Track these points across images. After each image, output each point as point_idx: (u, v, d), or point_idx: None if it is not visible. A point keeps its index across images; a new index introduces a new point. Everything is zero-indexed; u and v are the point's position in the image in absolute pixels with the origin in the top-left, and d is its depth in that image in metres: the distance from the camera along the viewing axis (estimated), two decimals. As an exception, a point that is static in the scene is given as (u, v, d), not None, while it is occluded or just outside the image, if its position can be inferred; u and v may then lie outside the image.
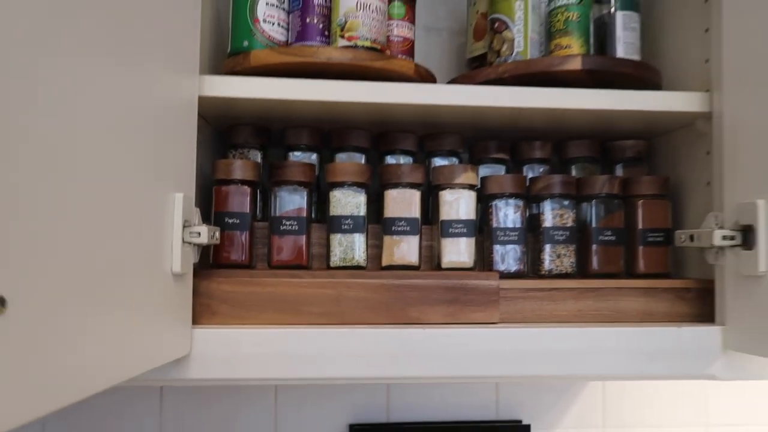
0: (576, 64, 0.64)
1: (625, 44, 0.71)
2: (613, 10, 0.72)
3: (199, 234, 0.54)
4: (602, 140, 0.76)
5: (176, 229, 0.51)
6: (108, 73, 0.40)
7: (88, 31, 0.37)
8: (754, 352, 0.57)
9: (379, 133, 0.75)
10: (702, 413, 0.93)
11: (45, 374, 0.33)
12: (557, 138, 0.76)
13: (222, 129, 0.74)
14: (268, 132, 0.74)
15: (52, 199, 0.34)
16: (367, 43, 0.65)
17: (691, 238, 0.63)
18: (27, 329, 0.31)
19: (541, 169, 0.77)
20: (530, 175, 0.76)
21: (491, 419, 0.91)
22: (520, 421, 0.91)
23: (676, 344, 0.60)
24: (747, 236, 0.56)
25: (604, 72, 0.64)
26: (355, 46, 0.64)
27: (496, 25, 0.69)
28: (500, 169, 0.76)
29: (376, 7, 0.65)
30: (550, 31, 0.70)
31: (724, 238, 0.58)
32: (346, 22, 0.65)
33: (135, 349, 0.45)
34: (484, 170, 0.76)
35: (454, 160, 0.76)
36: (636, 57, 0.71)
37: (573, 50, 0.67)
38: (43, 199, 0.33)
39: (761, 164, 0.56)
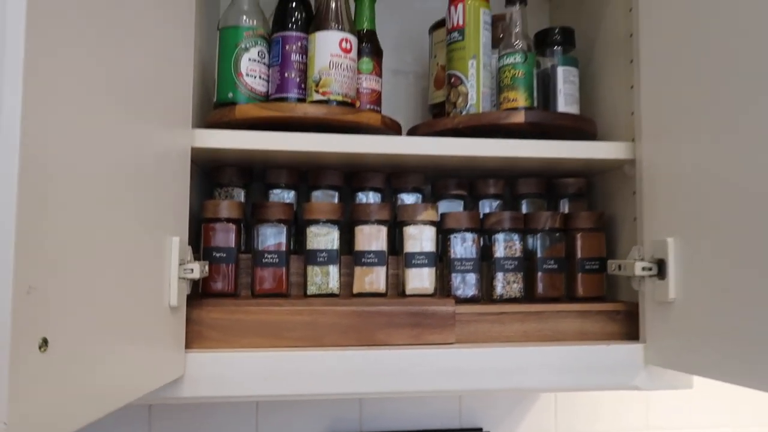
0: (520, 118, 0.74)
1: (566, 95, 0.81)
2: (554, 65, 0.82)
3: (192, 270, 0.62)
4: (549, 178, 0.86)
5: (173, 268, 0.59)
6: (115, 135, 0.48)
7: (97, 95, 0.45)
8: (669, 367, 0.67)
9: (350, 172, 0.83)
10: (643, 419, 1.03)
11: (77, 396, 0.42)
12: (510, 176, 0.86)
13: (208, 169, 0.82)
14: (250, 172, 0.82)
15: (79, 256, 0.42)
16: (339, 98, 0.74)
17: (619, 267, 0.73)
18: (62, 361, 0.40)
19: (496, 204, 0.86)
20: (486, 209, 0.85)
21: (455, 427, 1.00)
22: (481, 429, 1.00)
23: (605, 360, 0.70)
24: (661, 268, 0.67)
25: (544, 124, 0.74)
26: (328, 101, 0.73)
27: (453, 80, 0.79)
28: (459, 204, 0.86)
29: (347, 65, 0.74)
30: (499, 85, 0.79)
31: (644, 269, 0.68)
32: (320, 78, 0.74)
33: (141, 373, 0.53)
34: (445, 205, 0.85)
35: (418, 195, 0.85)
36: (575, 106, 0.82)
37: (519, 102, 0.77)
38: (73, 257, 0.41)
39: (671, 207, 0.66)
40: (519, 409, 1.02)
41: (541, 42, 0.84)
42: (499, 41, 0.82)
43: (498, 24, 0.83)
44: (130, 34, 0.50)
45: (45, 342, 0.38)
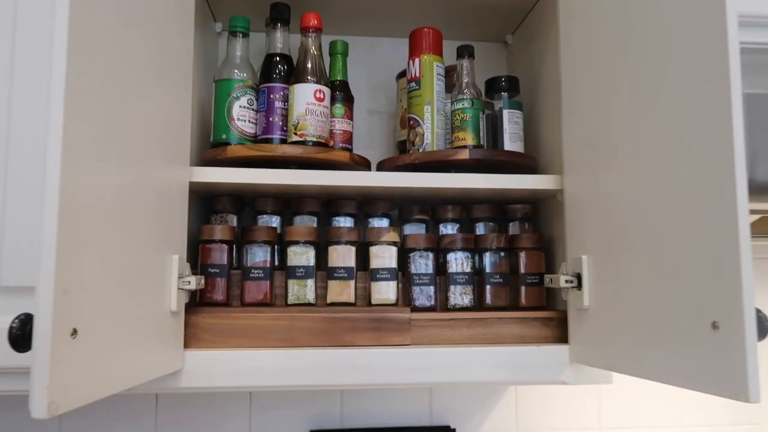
0: (465, 155, 0.88)
1: (510, 134, 0.95)
2: (501, 107, 0.96)
3: (189, 282, 0.76)
4: (500, 204, 1.00)
5: (173, 280, 0.73)
6: (128, 174, 0.62)
7: (115, 144, 0.60)
8: (588, 364, 0.80)
9: (327, 199, 0.98)
10: (595, 417, 1.15)
11: (97, 374, 0.55)
12: (467, 202, 1.00)
13: (205, 197, 0.97)
14: (241, 200, 0.97)
15: (100, 268, 0.56)
16: (314, 139, 0.88)
17: (551, 280, 0.86)
18: (88, 347, 0.54)
19: (455, 227, 1.00)
20: (446, 231, 0.99)
21: (425, 424, 1.13)
22: (449, 426, 1.13)
23: (537, 359, 0.83)
24: (579, 281, 0.80)
25: (486, 160, 0.88)
26: (305, 142, 0.87)
27: (411, 122, 0.93)
28: (422, 227, 0.99)
29: (321, 111, 0.89)
30: (452, 126, 0.94)
31: (566, 281, 0.81)
32: (298, 123, 0.88)
33: (147, 363, 0.66)
34: (409, 227, 0.99)
35: (386, 220, 0.99)
36: (519, 144, 0.96)
37: (467, 141, 0.91)
38: (95, 268, 0.55)
39: (585, 229, 0.79)
40: (484, 408, 1.14)
41: (491, 88, 0.99)
42: (453, 87, 0.97)
43: (452, 73, 0.98)
44: (142, 95, 0.65)
45: (75, 331, 0.52)
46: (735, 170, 0.56)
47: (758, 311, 0.58)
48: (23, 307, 0.69)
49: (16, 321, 0.51)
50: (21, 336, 0.50)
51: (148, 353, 0.67)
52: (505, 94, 0.97)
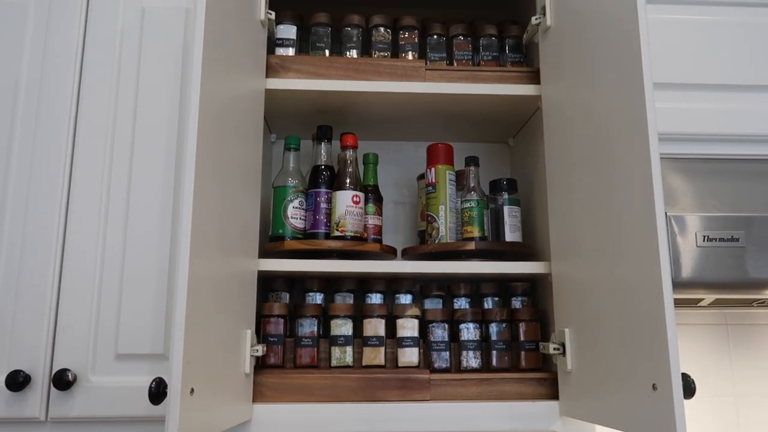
0: (471, 246, 1.10)
1: (510, 226, 1.18)
2: (502, 204, 1.19)
3: (258, 350, 0.99)
4: (504, 281, 1.21)
5: (247, 349, 0.96)
6: (223, 265, 0.86)
7: (213, 237, 0.84)
8: (573, 417, 0.99)
9: (362, 279, 1.20)
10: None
11: (204, 421, 0.78)
12: (475, 280, 1.21)
13: (264, 277, 1.20)
14: (292, 281, 1.20)
15: (204, 345, 0.79)
16: (352, 234, 1.12)
17: (544, 347, 1.06)
18: (199, 402, 0.76)
19: (467, 301, 1.21)
20: (459, 305, 1.20)
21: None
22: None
23: (533, 412, 1.02)
24: (564, 348, 1.00)
25: (488, 249, 1.11)
26: (344, 236, 1.11)
27: (429, 218, 1.16)
28: (439, 302, 1.21)
29: (357, 212, 1.13)
30: (462, 220, 1.17)
31: (554, 349, 1.02)
32: (339, 221, 1.12)
33: (230, 413, 0.88)
34: (429, 302, 1.21)
35: (410, 295, 1.21)
36: (517, 234, 1.18)
37: (474, 233, 1.14)
38: (202, 346, 0.78)
39: (567, 306, 1.00)
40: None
41: (494, 187, 1.22)
42: (463, 186, 1.20)
43: (462, 175, 1.21)
44: (232, 199, 0.89)
45: (192, 390, 0.74)
46: (661, 270, 0.77)
47: (686, 376, 0.78)
48: (134, 370, 0.94)
49: (154, 383, 0.74)
50: (157, 393, 0.73)
51: (231, 406, 0.89)
52: (505, 193, 1.20)
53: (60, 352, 1.02)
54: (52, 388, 0.99)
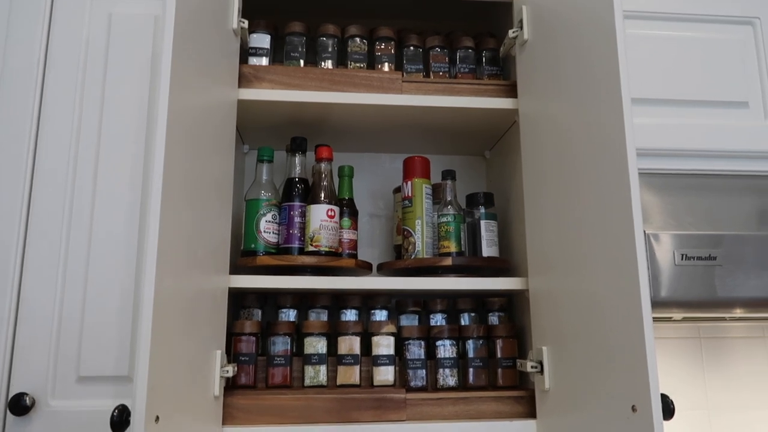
0: (448, 261, 1.08)
1: (487, 240, 1.16)
2: (479, 218, 1.18)
3: (228, 371, 0.95)
4: (480, 296, 1.20)
5: (217, 370, 0.92)
6: (191, 282, 0.82)
7: (182, 253, 0.80)
8: (551, 436, 0.98)
9: (337, 295, 1.17)
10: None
11: (169, 451, 0.74)
12: (452, 296, 1.19)
13: (235, 293, 1.16)
14: (265, 297, 1.16)
15: (170, 370, 0.75)
16: (326, 249, 1.09)
17: (521, 365, 1.04)
18: (165, 428, 0.72)
19: (443, 317, 1.19)
20: (435, 321, 1.18)
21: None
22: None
23: (510, 431, 1.00)
24: (542, 367, 0.98)
25: (464, 265, 1.09)
26: (319, 252, 1.08)
27: (405, 233, 1.14)
28: (415, 318, 1.19)
29: (332, 226, 1.10)
30: (438, 235, 1.15)
31: (532, 367, 1.00)
32: (314, 236, 1.09)
33: (198, 440, 0.84)
34: (405, 318, 1.18)
35: (385, 311, 1.18)
36: (494, 248, 1.16)
37: (450, 248, 1.12)
38: (168, 371, 0.74)
39: (544, 324, 0.99)
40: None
41: (470, 201, 1.20)
42: (440, 199, 1.18)
43: (439, 189, 1.19)
44: (202, 214, 0.86)
45: (157, 418, 0.71)
46: (640, 291, 0.75)
47: (666, 397, 0.77)
48: (97, 393, 0.89)
49: (116, 411, 0.70)
50: (119, 422, 0.69)
51: (198, 430, 0.85)
52: (482, 207, 1.19)
53: (17, 375, 0.96)
54: (8, 414, 0.94)
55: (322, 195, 1.11)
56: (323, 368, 1.07)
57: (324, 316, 1.16)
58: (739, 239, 1.01)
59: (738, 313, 1.05)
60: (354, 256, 1.15)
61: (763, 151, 1.17)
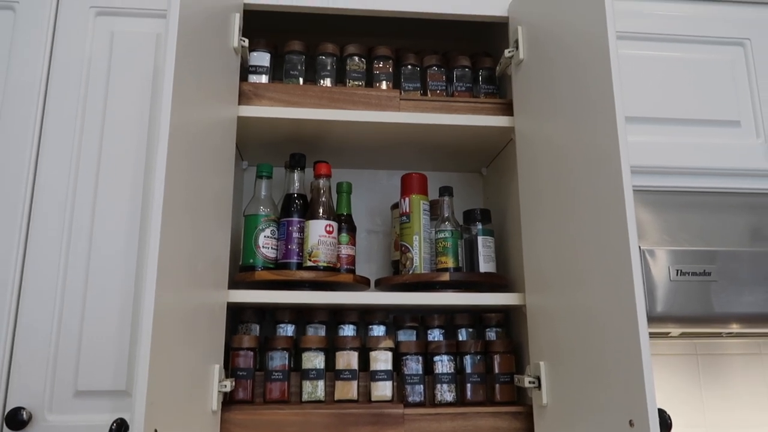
0: (446, 277, 1.09)
1: (484, 256, 1.17)
2: (476, 234, 1.19)
3: (226, 386, 0.95)
4: (478, 312, 1.20)
5: (215, 385, 0.92)
6: (192, 298, 0.83)
7: (182, 268, 0.81)
8: (549, 451, 0.98)
9: (335, 310, 1.18)
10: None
11: (167, 465, 0.74)
12: (449, 311, 1.20)
13: (234, 308, 1.17)
14: (263, 312, 1.17)
15: (170, 382, 0.75)
16: (324, 264, 1.09)
17: (518, 380, 1.05)
18: (164, 444, 0.72)
19: (441, 332, 1.19)
20: (433, 337, 1.18)
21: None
22: None
23: (508, 447, 1.00)
24: (540, 382, 0.99)
25: (462, 281, 1.10)
26: (317, 267, 1.09)
27: (403, 248, 1.15)
28: (413, 333, 1.19)
29: (330, 242, 1.11)
30: (436, 251, 1.15)
31: (530, 382, 1.01)
32: (312, 251, 1.10)
33: (195, 455, 0.84)
34: (403, 333, 1.18)
35: (383, 327, 1.18)
36: (491, 264, 1.17)
37: (448, 264, 1.13)
38: (167, 383, 0.75)
39: (541, 340, 0.99)
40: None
41: (468, 217, 1.21)
42: (437, 215, 1.19)
43: (436, 205, 1.21)
44: (202, 229, 0.86)
45: (156, 431, 0.71)
46: (636, 306, 0.76)
47: (663, 412, 0.78)
48: (95, 407, 0.89)
49: (114, 424, 0.70)
50: (118, 436, 0.69)
51: (197, 446, 0.85)
52: (479, 223, 1.20)
53: (14, 389, 0.96)
54: (5, 428, 0.94)
55: (321, 211, 1.12)
56: (321, 383, 1.07)
57: (322, 331, 1.16)
58: (733, 255, 1.02)
59: (734, 328, 1.06)
60: (352, 271, 1.16)
61: (755, 169, 1.19)
